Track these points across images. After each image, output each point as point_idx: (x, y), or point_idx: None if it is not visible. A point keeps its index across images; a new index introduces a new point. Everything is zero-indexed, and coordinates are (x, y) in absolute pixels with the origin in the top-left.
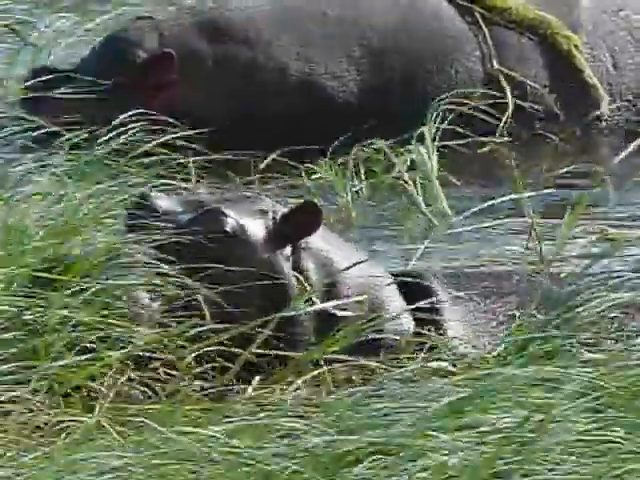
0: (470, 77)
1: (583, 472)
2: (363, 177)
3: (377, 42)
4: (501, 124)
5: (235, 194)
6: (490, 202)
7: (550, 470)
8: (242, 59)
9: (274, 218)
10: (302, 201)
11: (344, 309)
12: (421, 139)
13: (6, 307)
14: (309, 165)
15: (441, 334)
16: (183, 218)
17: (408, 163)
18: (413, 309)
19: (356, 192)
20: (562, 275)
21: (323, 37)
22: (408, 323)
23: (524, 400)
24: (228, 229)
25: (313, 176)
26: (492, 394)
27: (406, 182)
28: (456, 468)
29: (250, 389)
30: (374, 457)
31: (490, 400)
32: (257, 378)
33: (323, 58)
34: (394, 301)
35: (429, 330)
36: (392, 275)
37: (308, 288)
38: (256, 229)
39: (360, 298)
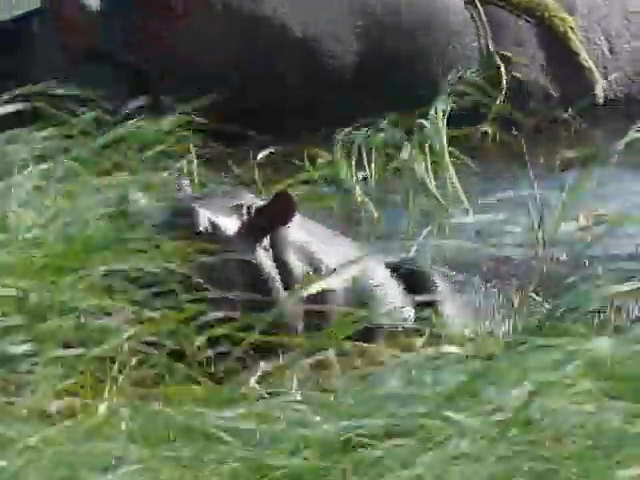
0: (467, 59)
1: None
2: (370, 160)
3: (380, 11)
4: (495, 106)
5: (215, 189)
6: (502, 194)
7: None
8: (247, 11)
9: (249, 211)
10: (276, 192)
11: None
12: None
13: (12, 292)
14: (315, 149)
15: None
16: (160, 218)
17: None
18: (412, 297)
19: (364, 178)
20: (562, 258)
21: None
22: (408, 311)
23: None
24: (201, 228)
25: (319, 161)
26: (501, 373)
27: (415, 163)
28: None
29: (257, 373)
30: (380, 441)
31: (499, 381)
32: (262, 363)
33: (326, 21)
34: (388, 288)
35: (429, 315)
36: (391, 264)
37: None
38: (230, 225)
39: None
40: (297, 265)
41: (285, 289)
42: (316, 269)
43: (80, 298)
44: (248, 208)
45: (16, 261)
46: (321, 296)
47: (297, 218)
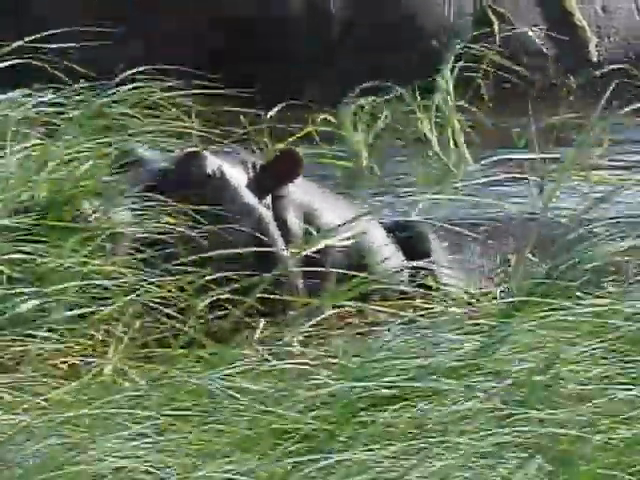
0: (462, 16)
1: (591, 416)
2: (377, 123)
3: None
4: (484, 63)
5: (218, 148)
6: (501, 155)
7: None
8: None
9: (254, 167)
10: (282, 149)
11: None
12: (430, 89)
13: (18, 254)
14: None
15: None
16: (163, 167)
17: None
18: (408, 257)
19: (368, 136)
20: (562, 220)
21: None
22: (404, 271)
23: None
24: (209, 171)
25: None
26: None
27: (421, 125)
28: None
29: (258, 333)
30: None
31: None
32: (262, 321)
33: None
34: (385, 249)
35: (424, 277)
36: (389, 224)
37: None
38: (237, 174)
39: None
40: (296, 224)
41: (286, 247)
42: (315, 228)
43: (83, 262)
44: (253, 164)
45: (19, 223)
46: (320, 254)
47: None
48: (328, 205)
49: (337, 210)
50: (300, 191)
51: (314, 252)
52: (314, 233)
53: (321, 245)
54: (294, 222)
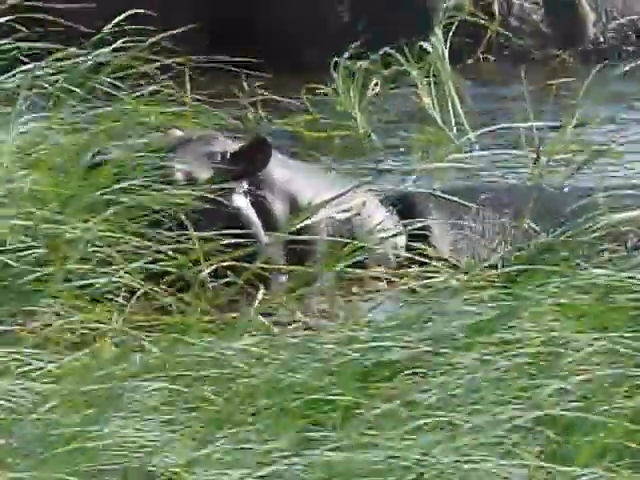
0: None
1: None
2: (371, 89)
3: None
4: (486, 38)
5: (190, 134)
6: (500, 125)
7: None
8: None
9: (224, 158)
10: (251, 137)
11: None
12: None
13: (24, 221)
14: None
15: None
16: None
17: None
18: (404, 227)
19: (362, 101)
20: (560, 189)
21: None
22: (400, 241)
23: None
24: (178, 178)
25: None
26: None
27: (420, 92)
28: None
29: (256, 301)
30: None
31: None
32: (262, 290)
33: None
34: (378, 219)
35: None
36: (387, 194)
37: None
38: (206, 173)
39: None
40: (278, 206)
41: (269, 229)
42: (298, 207)
43: (86, 229)
44: (222, 155)
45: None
46: (305, 233)
47: (278, 157)
48: (313, 182)
49: (322, 186)
50: (282, 170)
51: (304, 228)
52: (298, 212)
53: (302, 224)
54: (275, 204)
